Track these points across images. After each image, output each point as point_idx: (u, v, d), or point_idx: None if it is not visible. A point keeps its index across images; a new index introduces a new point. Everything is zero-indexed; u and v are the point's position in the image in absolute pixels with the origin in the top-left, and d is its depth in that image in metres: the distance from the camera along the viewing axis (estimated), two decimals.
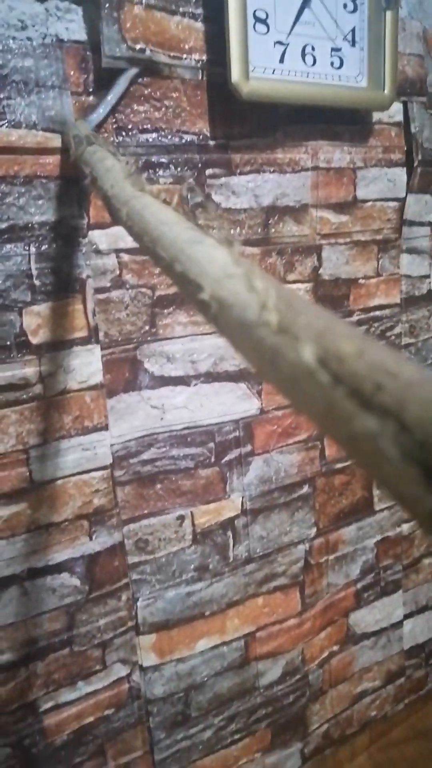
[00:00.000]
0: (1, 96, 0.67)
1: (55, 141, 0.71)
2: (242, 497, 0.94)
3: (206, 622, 0.93)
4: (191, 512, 0.89)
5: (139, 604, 0.87)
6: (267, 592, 0.99)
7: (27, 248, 0.71)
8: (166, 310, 0.83)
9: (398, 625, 1.19)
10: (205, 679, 0.95)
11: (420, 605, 1.22)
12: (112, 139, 0.74)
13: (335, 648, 1.10)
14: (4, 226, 0.69)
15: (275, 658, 1.02)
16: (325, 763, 1.14)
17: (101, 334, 0.79)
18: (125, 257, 0.78)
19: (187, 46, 0.76)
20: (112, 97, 0.72)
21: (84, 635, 0.83)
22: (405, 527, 1.16)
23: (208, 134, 0.80)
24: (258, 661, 1.00)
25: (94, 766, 0.88)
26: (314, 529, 1.02)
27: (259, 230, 0.88)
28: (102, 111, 0.72)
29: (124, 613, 0.85)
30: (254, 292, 0.23)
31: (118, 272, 0.78)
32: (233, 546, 0.94)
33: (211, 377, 0.88)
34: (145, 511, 0.86)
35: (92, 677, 0.84)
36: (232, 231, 0.85)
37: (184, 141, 0.79)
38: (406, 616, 1.21)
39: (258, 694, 1.01)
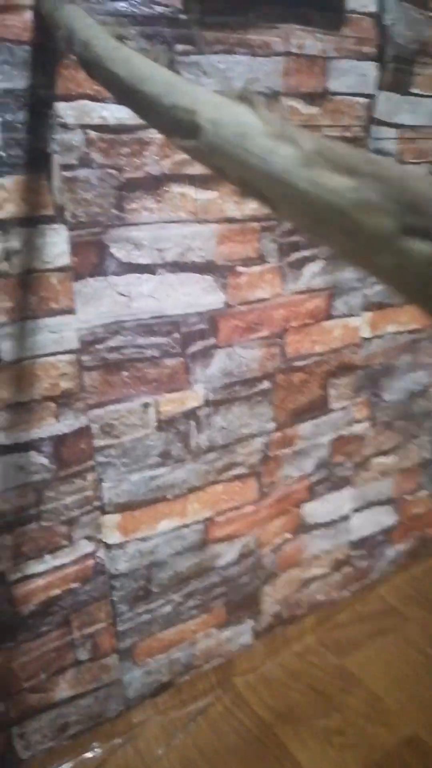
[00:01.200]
0: None
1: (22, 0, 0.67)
2: (205, 388, 0.97)
3: (168, 505, 0.98)
4: (156, 400, 0.92)
5: (104, 485, 0.90)
6: (226, 480, 1.04)
7: None
8: (133, 194, 0.82)
9: (346, 517, 1.28)
10: (166, 557, 1.00)
11: (367, 501, 1.31)
12: (77, 3, 0.71)
13: (288, 535, 1.18)
14: None
15: (232, 542, 1.08)
16: (275, 640, 1.24)
17: (68, 215, 0.78)
18: (93, 134, 0.77)
19: None
20: None
21: (51, 511, 0.86)
22: (358, 427, 1.22)
23: (180, 7, 0.78)
24: (216, 543, 1.06)
25: (60, 635, 0.93)
26: (273, 424, 1.07)
27: None
28: None
29: (90, 493, 0.89)
30: (257, 112, 0.25)
31: (85, 150, 0.77)
32: (195, 435, 0.97)
33: (177, 267, 0.88)
34: (111, 397, 0.88)
35: (59, 552, 0.89)
36: None
37: (154, 12, 0.76)
38: (355, 510, 1.29)
39: (215, 573, 1.08)
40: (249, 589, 1.14)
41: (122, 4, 0.74)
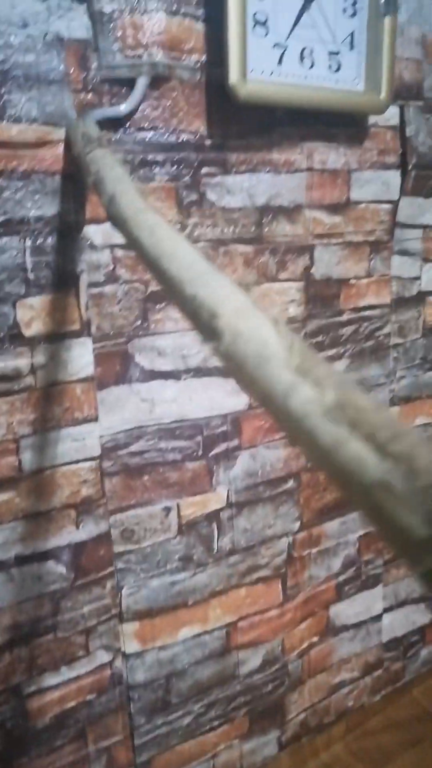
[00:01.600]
0: (2, 91, 0.68)
1: (55, 134, 0.72)
2: (228, 490, 0.95)
3: (189, 611, 0.95)
4: (177, 504, 0.91)
5: (123, 592, 0.89)
6: (249, 583, 1.01)
7: (23, 242, 0.72)
8: (157, 306, 0.84)
9: (377, 618, 1.22)
10: (186, 666, 0.97)
11: (399, 599, 1.25)
12: (110, 136, 0.75)
13: (315, 639, 1.13)
14: (0, 219, 0.70)
15: (256, 648, 1.04)
16: (302, 751, 1.17)
17: (93, 328, 0.80)
18: (119, 252, 0.80)
19: (186, 47, 0.77)
20: (131, 102, 0.74)
21: (68, 621, 0.84)
22: None
23: (205, 134, 0.81)
24: (239, 650, 1.02)
25: (75, 749, 0.90)
26: (298, 523, 1.05)
27: (253, 229, 0.89)
28: (123, 109, 0.73)
29: (108, 601, 0.87)
30: (279, 333, 0.25)
31: (111, 267, 0.79)
32: (218, 537, 0.96)
33: (200, 372, 0.89)
34: (132, 502, 0.88)
35: (75, 663, 0.86)
36: (225, 229, 0.87)
37: (180, 140, 0.80)
38: (386, 610, 1.23)
39: (238, 682, 1.03)
40: (274, 698, 1.09)
41: (150, 134, 0.78)
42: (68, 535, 0.82)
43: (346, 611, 1.16)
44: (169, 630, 0.94)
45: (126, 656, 0.91)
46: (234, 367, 0.27)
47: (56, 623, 0.84)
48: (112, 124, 0.75)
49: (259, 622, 1.04)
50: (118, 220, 0.48)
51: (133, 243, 0.44)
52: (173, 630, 0.94)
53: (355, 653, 1.21)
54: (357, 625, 1.19)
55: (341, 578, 1.14)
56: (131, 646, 0.91)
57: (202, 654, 0.98)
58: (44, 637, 0.83)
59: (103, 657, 0.89)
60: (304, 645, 1.11)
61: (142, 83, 0.73)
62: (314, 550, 1.09)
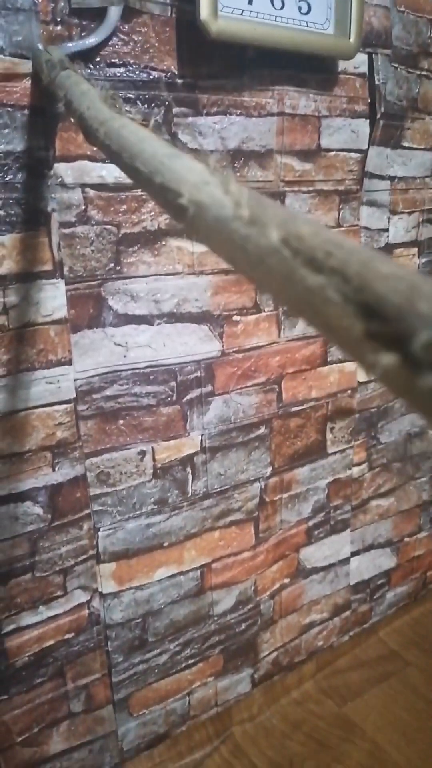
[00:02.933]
0: None
1: (22, 67, 0.70)
2: (202, 435, 0.97)
3: (164, 553, 0.98)
4: (152, 448, 0.93)
5: (100, 533, 0.90)
6: (223, 526, 1.04)
7: None
8: (130, 249, 0.84)
9: (345, 561, 1.27)
10: (162, 606, 1.00)
11: (366, 544, 1.30)
12: (80, 71, 0.74)
13: (286, 581, 1.17)
14: None
15: (229, 588, 1.07)
16: (274, 688, 1.22)
17: (66, 269, 0.80)
18: (91, 192, 0.79)
19: None
20: (100, 34, 0.72)
21: (46, 562, 0.86)
22: (355, 470, 1.23)
23: (176, 72, 0.81)
24: (213, 590, 1.05)
25: (54, 687, 0.92)
26: (269, 469, 1.07)
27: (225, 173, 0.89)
28: (91, 41, 0.72)
29: (85, 542, 0.89)
30: (229, 193, 0.26)
31: (83, 207, 0.79)
32: (192, 482, 0.98)
33: (174, 317, 0.90)
34: (108, 446, 0.89)
35: (53, 602, 0.88)
36: None
37: (151, 77, 0.79)
38: (353, 554, 1.28)
39: (212, 621, 1.07)
40: (247, 637, 1.13)
41: (120, 69, 0.77)
42: (44, 476, 0.83)
43: (315, 554, 1.21)
44: (146, 570, 0.96)
45: (103, 596, 0.93)
46: (203, 238, 0.29)
47: (34, 563, 0.85)
48: (83, 57, 0.74)
49: (232, 564, 1.07)
50: (89, 135, 0.49)
51: (106, 152, 0.44)
52: (149, 571, 0.97)
53: (325, 595, 1.26)
54: (326, 568, 1.24)
55: (311, 522, 1.18)
56: (108, 586, 0.93)
57: (177, 594, 1.01)
58: (22, 576, 0.84)
59: (81, 597, 0.91)
60: (276, 586, 1.15)
61: (114, 13, 0.72)
62: (285, 495, 1.12)
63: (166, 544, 0.97)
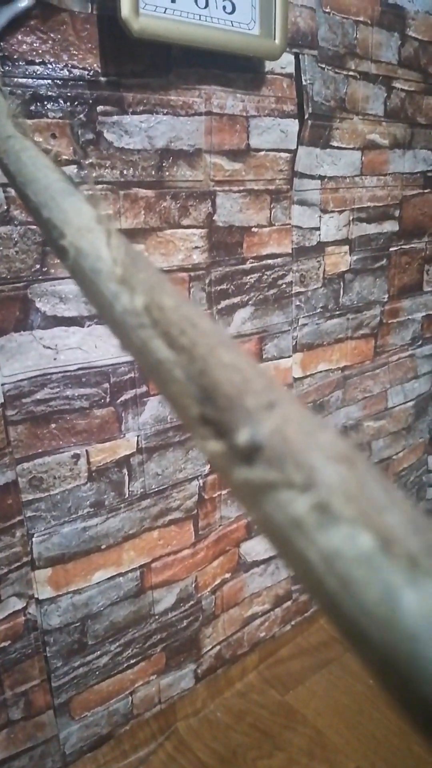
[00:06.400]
0: None
1: None
2: (138, 436, 0.97)
3: (102, 555, 0.97)
4: (86, 451, 0.92)
5: (34, 539, 0.89)
6: (162, 526, 1.04)
7: None
8: None
9: None
10: (102, 608, 0.99)
11: None
12: None
13: (227, 575, 1.18)
14: None
15: (170, 587, 1.08)
16: (217, 682, 1.24)
17: None
18: (13, 192, 0.77)
19: None
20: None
21: None
22: None
23: (99, 70, 0.80)
24: (153, 589, 1.06)
25: None
26: (207, 466, 1.08)
27: (153, 173, 0.89)
28: None
29: (18, 549, 0.87)
30: (110, 247, 0.27)
31: (5, 207, 0.77)
32: (129, 483, 0.97)
33: None
34: (40, 450, 0.87)
35: None
36: (125, 171, 0.86)
37: (73, 75, 0.78)
38: None
39: (153, 620, 1.07)
40: (189, 633, 1.14)
41: (39, 68, 0.75)
42: None
43: (256, 548, 1.23)
44: (83, 574, 0.96)
45: (39, 602, 0.92)
46: (78, 282, 0.29)
47: None
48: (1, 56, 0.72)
49: (172, 562, 1.07)
50: None
51: (4, 170, 0.43)
52: (87, 574, 0.96)
53: (266, 587, 1.28)
54: (267, 561, 1.26)
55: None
56: (45, 591, 0.92)
57: (117, 595, 1.01)
58: None
59: (17, 604, 0.89)
60: (217, 581, 1.17)
61: (10, 8, 0.70)
62: (224, 492, 1.13)
63: (103, 546, 0.97)
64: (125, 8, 0.73)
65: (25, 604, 0.90)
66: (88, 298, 0.27)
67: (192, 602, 1.13)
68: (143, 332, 0.22)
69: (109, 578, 0.99)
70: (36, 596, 0.91)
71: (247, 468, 0.17)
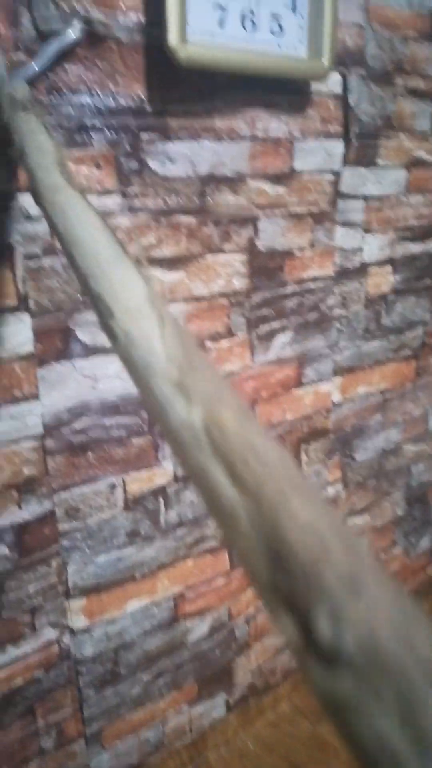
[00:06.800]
0: None
1: None
2: (174, 464, 0.95)
3: (136, 585, 0.96)
4: (123, 480, 0.90)
5: (69, 569, 0.88)
6: (197, 554, 1.02)
7: None
8: None
9: None
10: (135, 638, 0.98)
11: None
12: (43, 100, 0.71)
13: (261, 605, 1.16)
14: None
15: (203, 616, 1.06)
16: (249, 711, 1.22)
17: (32, 303, 0.77)
18: None
19: (124, 5, 0.73)
20: (47, 56, 0.69)
21: (13, 601, 0.83)
22: (330, 490, 1.22)
23: (145, 98, 0.78)
24: (186, 618, 1.04)
25: (24, 726, 0.90)
26: None
27: (196, 199, 0.87)
28: (37, 67, 0.68)
29: (54, 579, 0.86)
30: (164, 339, 0.24)
31: (49, 239, 0.76)
32: (165, 511, 0.96)
33: None
34: (77, 480, 0.86)
35: (21, 641, 0.86)
36: (168, 199, 0.84)
37: (119, 104, 0.76)
38: None
39: (186, 649, 1.05)
40: (221, 662, 1.12)
41: (86, 97, 0.74)
42: (11, 515, 0.81)
43: None
44: (117, 604, 0.94)
45: (73, 632, 0.91)
46: (129, 371, 0.27)
47: (0, 603, 0.82)
48: (46, 85, 0.71)
49: (206, 591, 1.05)
50: (36, 197, 0.46)
51: (50, 223, 0.42)
52: (121, 603, 0.95)
53: None
54: None
55: None
56: (78, 621, 0.91)
57: (150, 625, 0.99)
58: None
59: (50, 634, 0.88)
60: (251, 610, 1.14)
61: (70, 34, 0.68)
62: None
63: (138, 575, 0.95)
64: (172, 36, 0.72)
65: (59, 634, 0.89)
66: (140, 393, 0.25)
67: (225, 631, 1.11)
68: (202, 455, 0.20)
69: (142, 608, 0.97)
70: (70, 626, 0.90)
71: (328, 674, 0.15)
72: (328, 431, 1.18)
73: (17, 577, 0.83)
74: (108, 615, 0.94)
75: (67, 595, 0.89)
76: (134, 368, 0.25)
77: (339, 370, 1.16)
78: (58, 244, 0.75)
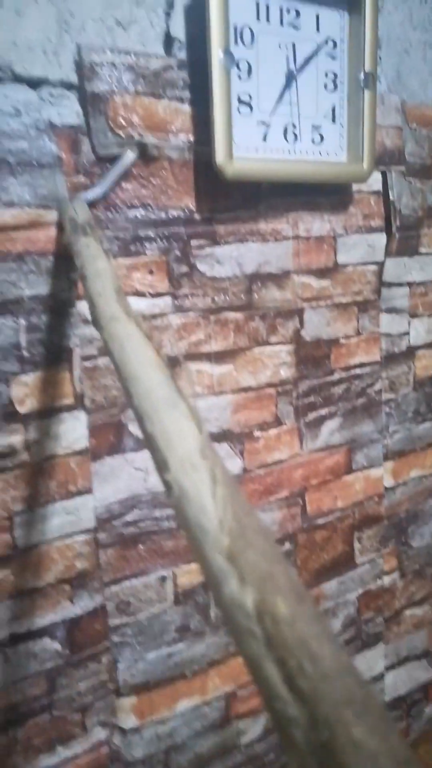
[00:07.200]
0: None
1: (48, 217, 0.73)
2: None
3: (187, 683, 0.93)
4: (173, 572, 0.90)
5: (119, 666, 0.87)
6: None
7: (17, 321, 0.73)
8: None
9: (379, 677, 1.20)
10: (186, 739, 0.94)
11: (401, 657, 1.23)
12: (101, 216, 0.77)
13: None
14: None
15: (256, 716, 1.02)
16: None
17: (87, 400, 0.80)
18: None
19: (174, 128, 0.80)
20: (109, 180, 0.75)
21: (64, 699, 0.82)
22: (386, 580, 1.18)
23: (194, 209, 0.83)
24: (239, 719, 1.00)
25: None
26: None
27: (243, 296, 0.91)
28: (99, 191, 0.75)
29: (104, 676, 0.86)
30: (215, 498, 0.25)
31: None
32: (214, 605, 0.94)
33: None
34: (127, 573, 0.87)
35: (72, 741, 0.84)
36: (216, 298, 0.88)
37: (170, 216, 0.82)
38: (388, 668, 1.21)
39: (239, 752, 1.01)
40: (276, 766, 1.06)
41: (140, 211, 0.80)
42: (63, 610, 0.81)
43: None
44: (167, 703, 0.92)
45: (124, 732, 0.89)
46: (181, 524, 0.27)
47: (52, 702, 0.82)
48: (104, 203, 0.77)
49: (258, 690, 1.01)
50: (96, 325, 0.49)
51: (108, 351, 0.45)
52: (171, 703, 0.92)
53: None
54: None
55: (342, 639, 1.12)
56: (129, 721, 0.89)
57: (201, 726, 0.96)
58: (40, 716, 0.81)
59: (100, 734, 0.86)
60: None
61: (126, 159, 0.75)
62: None
63: (188, 673, 0.93)
64: (220, 155, 0.77)
65: (109, 734, 0.87)
66: (192, 553, 0.26)
67: None
68: (255, 645, 0.20)
69: (193, 707, 0.94)
70: (120, 725, 0.88)
71: None
72: (382, 518, 1.15)
73: (68, 674, 0.82)
74: (158, 714, 0.91)
75: (118, 693, 0.87)
76: (187, 524, 0.26)
77: (390, 454, 1.15)
78: None
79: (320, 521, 1.05)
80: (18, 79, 0.71)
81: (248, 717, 1.01)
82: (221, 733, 0.98)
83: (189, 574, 0.91)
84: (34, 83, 0.72)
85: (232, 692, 0.98)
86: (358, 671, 0.21)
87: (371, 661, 1.18)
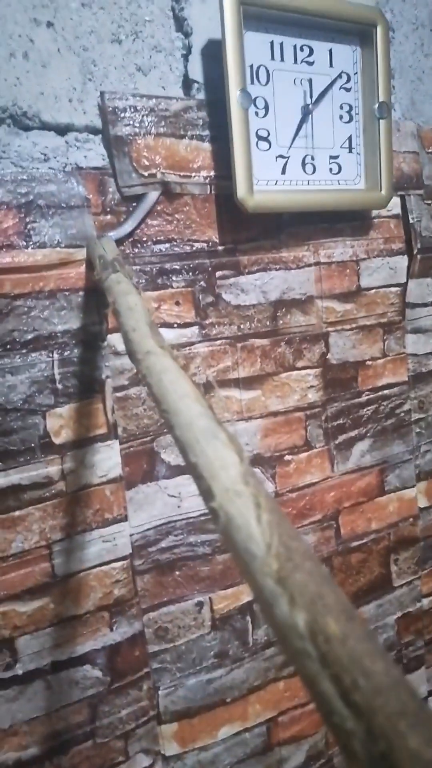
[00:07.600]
0: (27, 220, 0.74)
1: (78, 255, 0.77)
2: None
3: (227, 709, 0.93)
4: (210, 598, 0.91)
5: (160, 692, 0.88)
6: (288, 676, 0.99)
7: (50, 355, 0.76)
8: None
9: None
10: (228, 766, 0.94)
11: None
12: (128, 251, 0.81)
13: None
14: (29, 336, 0.75)
15: (299, 743, 1.01)
16: None
17: (120, 430, 0.83)
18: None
19: (195, 165, 0.83)
20: (135, 218, 0.79)
21: (106, 726, 0.83)
22: (426, 602, 1.16)
23: (217, 241, 0.86)
24: (281, 746, 0.99)
25: None
26: None
27: (268, 323, 0.93)
28: (126, 228, 0.79)
29: (145, 703, 0.86)
30: (260, 523, 0.26)
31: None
32: (252, 630, 0.95)
33: None
34: (165, 599, 0.88)
35: None
36: (242, 326, 0.90)
37: (194, 249, 0.85)
38: (431, 693, 1.19)
39: None
40: None
41: (165, 246, 0.83)
42: (103, 637, 0.83)
43: None
44: (209, 729, 0.92)
45: (166, 759, 0.89)
46: (230, 548, 0.29)
47: (94, 729, 0.83)
48: (130, 240, 0.81)
49: (300, 716, 1.01)
50: (133, 359, 0.51)
51: (146, 386, 0.47)
52: (212, 729, 0.92)
53: None
54: None
55: None
56: (171, 748, 0.89)
57: (243, 753, 0.95)
58: (83, 744, 0.82)
59: (143, 761, 0.87)
60: None
61: (150, 198, 0.78)
62: None
63: (228, 699, 0.93)
64: (241, 189, 0.80)
65: (152, 762, 0.88)
66: (241, 574, 0.27)
67: (323, 760, 1.04)
68: (310, 663, 0.22)
69: (234, 734, 0.94)
70: (163, 752, 0.88)
71: None
72: (418, 539, 1.14)
73: (110, 702, 0.83)
74: (200, 742, 0.91)
75: (159, 719, 0.88)
76: (235, 550, 0.27)
77: (423, 475, 1.14)
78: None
79: (355, 544, 1.05)
80: (46, 126, 0.76)
81: (291, 744, 1.00)
82: (263, 760, 0.97)
83: (226, 599, 0.92)
84: (61, 130, 0.77)
85: (273, 718, 0.98)
86: (410, 684, 0.22)
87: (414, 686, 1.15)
